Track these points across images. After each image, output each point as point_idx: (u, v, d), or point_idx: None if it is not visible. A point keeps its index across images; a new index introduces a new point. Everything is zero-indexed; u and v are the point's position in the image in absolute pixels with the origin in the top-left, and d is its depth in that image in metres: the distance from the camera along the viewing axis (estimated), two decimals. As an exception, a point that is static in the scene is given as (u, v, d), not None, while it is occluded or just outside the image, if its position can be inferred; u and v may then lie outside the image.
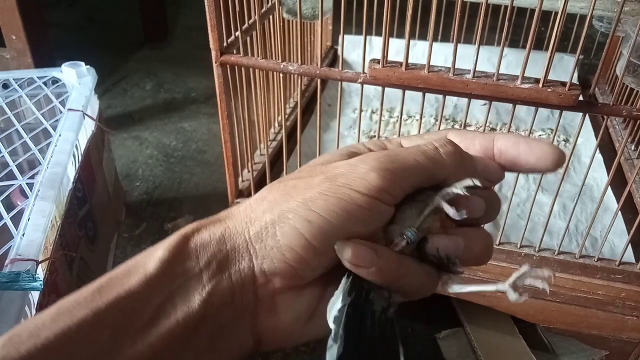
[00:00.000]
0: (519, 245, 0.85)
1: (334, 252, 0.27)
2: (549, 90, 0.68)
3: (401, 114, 0.76)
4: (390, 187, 0.28)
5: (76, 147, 0.97)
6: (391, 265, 0.28)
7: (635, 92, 1.06)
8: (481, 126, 1.06)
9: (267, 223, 0.27)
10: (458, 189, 0.29)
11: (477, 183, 0.29)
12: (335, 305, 0.27)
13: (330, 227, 0.27)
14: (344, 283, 0.28)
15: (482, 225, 0.33)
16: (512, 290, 0.29)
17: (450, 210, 0.29)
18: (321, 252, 0.27)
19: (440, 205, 0.29)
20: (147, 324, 0.25)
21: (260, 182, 0.97)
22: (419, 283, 0.30)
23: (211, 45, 0.79)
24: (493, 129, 1.26)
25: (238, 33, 0.80)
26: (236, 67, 0.83)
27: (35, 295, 0.71)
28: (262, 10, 0.90)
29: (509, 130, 0.78)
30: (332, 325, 0.27)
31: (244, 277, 0.27)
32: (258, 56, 0.86)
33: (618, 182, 1.00)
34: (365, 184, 0.27)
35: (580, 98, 0.69)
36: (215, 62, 0.80)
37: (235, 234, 0.28)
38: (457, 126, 1.27)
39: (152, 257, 0.27)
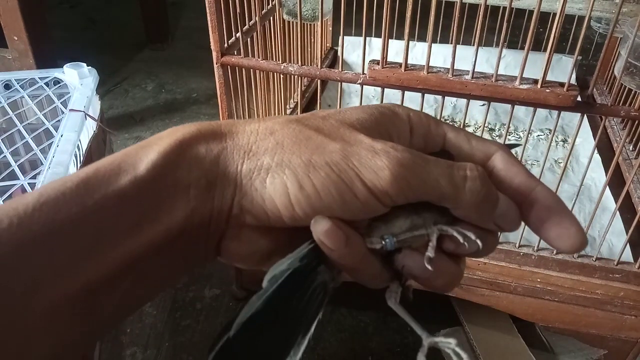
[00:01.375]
0: (517, 245, 0.86)
1: (310, 220, 0.27)
2: (548, 90, 0.69)
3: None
4: (397, 194, 0.26)
5: (78, 147, 0.97)
6: (355, 257, 0.27)
7: (633, 92, 1.06)
8: (480, 127, 1.06)
9: (263, 165, 0.26)
10: (458, 234, 0.28)
11: (479, 243, 0.28)
12: (280, 266, 0.27)
13: (319, 202, 0.26)
14: (302, 248, 0.28)
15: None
16: (426, 347, 0.28)
17: (431, 247, 0.28)
18: (298, 217, 0.27)
19: (433, 236, 0.28)
20: (130, 229, 0.24)
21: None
22: (369, 277, 0.29)
23: (212, 47, 0.79)
24: (492, 130, 1.26)
25: (239, 34, 0.81)
26: (237, 68, 0.84)
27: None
28: (263, 12, 0.90)
29: (507, 131, 0.78)
30: (264, 283, 0.26)
31: (223, 204, 0.27)
32: (258, 57, 0.86)
33: (616, 182, 1.00)
34: (375, 180, 0.26)
35: (579, 99, 0.70)
36: (216, 63, 0.81)
37: (230, 159, 0.27)
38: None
39: (144, 158, 0.25)
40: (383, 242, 0.28)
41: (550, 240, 0.29)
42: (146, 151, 0.26)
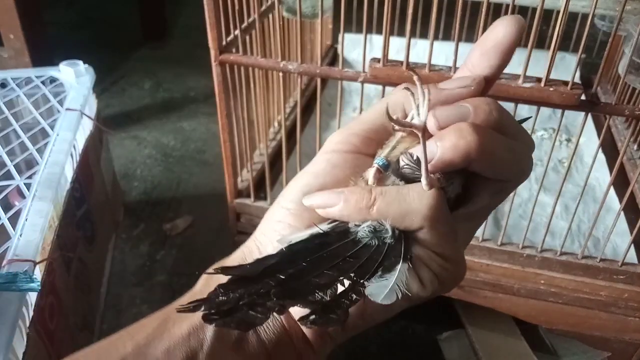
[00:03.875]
0: (520, 246, 0.85)
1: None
2: (551, 89, 0.68)
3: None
4: (343, 138, 0.31)
5: (74, 146, 0.96)
6: (360, 197, 0.28)
7: (637, 91, 1.05)
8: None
9: None
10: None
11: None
12: (297, 234, 0.28)
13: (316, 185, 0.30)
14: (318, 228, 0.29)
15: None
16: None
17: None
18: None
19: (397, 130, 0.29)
20: None
21: (259, 182, 0.96)
22: (403, 201, 0.28)
23: (210, 44, 0.78)
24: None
25: (237, 32, 0.79)
26: (235, 66, 0.83)
27: (32, 296, 0.71)
28: (262, 9, 0.89)
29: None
30: (276, 243, 0.28)
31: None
32: (257, 55, 0.85)
33: (620, 182, 0.99)
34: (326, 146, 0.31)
35: (582, 97, 0.69)
36: (214, 61, 0.80)
37: None
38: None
39: None
40: (375, 165, 0.29)
41: (500, 40, 0.30)
42: None
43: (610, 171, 1.01)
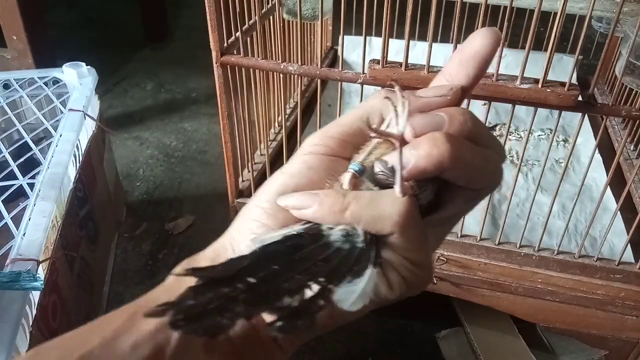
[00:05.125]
0: (518, 245, 0.85)
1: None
2: (548, 90, 0.69)
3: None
4: (320, 140, 0.31)
5: (77, 147, 0.97)
6: (335, 200, 0.28)
7: (634, 92, 1.06)
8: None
9: None
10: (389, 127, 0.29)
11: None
12: (271, 234, 0.28)
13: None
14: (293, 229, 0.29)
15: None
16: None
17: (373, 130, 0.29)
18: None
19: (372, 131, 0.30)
20: None
21: (260, 182, 0.97)
22: (376, 208, 0.29)
23: (212, 46, 0.79)
24: (492, 129, 1.26)
25: (238, 33, 0.80)
26: (236, 67, 0.83)
27: (35, 295, 0.72)
28: (263, 11, 0.90)
29: (508, 130, 0.78)
30: (249, 242, 0.28)
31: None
32: (258, 57, 0.86)
33: (617, 182, 1.00)
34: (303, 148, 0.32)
35: (580, 98, 0.70)
36: (216, 63, 0.80)
37: None
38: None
39: None
40: (350, 171, 0.30)
41: (478, 53, 0.31)
42: None
43: (607, 171, 1.01)
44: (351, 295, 0.26)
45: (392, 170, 0.28)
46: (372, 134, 0.29)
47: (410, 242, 0.28)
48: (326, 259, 0.27)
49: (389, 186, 0.28)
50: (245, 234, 0.30)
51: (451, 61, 0.32)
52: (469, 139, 0.29)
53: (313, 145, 0.31)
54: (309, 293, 0.26)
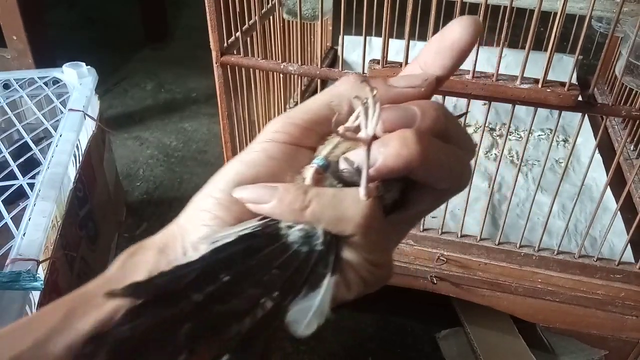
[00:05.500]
0: (518, 245, 0.85)
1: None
2: (548, 90, 0.69)
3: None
4: (282, 127, 0.29)
5: (77, 147, 0.97)
6: (295, 197, 0.26)
7: (634, 92, 1.06)
8: (481, 126, 1.06)
9: None
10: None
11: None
12: (223, 233, 0.26)
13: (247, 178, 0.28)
14: (248, 226, 0.27)
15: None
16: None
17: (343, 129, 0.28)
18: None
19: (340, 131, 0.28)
20: None
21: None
22: (338, 207, 0.27)
23: (212, 46, 0.79)
24: (492, 129, 1.26)
25: (238, 34, 0.80)
26: (236, 67, 0.83)
27: (35, 295, 0.72)
28: (263, 11, 0.90)
29: (507, 130, 0.78)
30: (200, 232, 0.27)
31: None
32: (258, 57, 0.86)
33: (617, 182, 1.00)
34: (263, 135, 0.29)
35: (580, 98, 0.70)
36: (216, 63, 0.80)
37: None
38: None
39: None
40: (313, 165, 0.27)
41: (458, 43, 0.29)
42: None
43: (607, 171, 1.01)
44: (306, 314, 0.24)
45: (358, 169, 0.26)
46: (339, 133, 0.27)
47: (371, 244, 0.27)
48: (283, 264, 0.25)
49: (354, 184, 0.27)
50: (196, 224, 0.28)
51: (427, 48, 0.30)
52: (440, 137, 0.28)
53: (274, 132, 0.29)
54: (260, 313, 0.23)
